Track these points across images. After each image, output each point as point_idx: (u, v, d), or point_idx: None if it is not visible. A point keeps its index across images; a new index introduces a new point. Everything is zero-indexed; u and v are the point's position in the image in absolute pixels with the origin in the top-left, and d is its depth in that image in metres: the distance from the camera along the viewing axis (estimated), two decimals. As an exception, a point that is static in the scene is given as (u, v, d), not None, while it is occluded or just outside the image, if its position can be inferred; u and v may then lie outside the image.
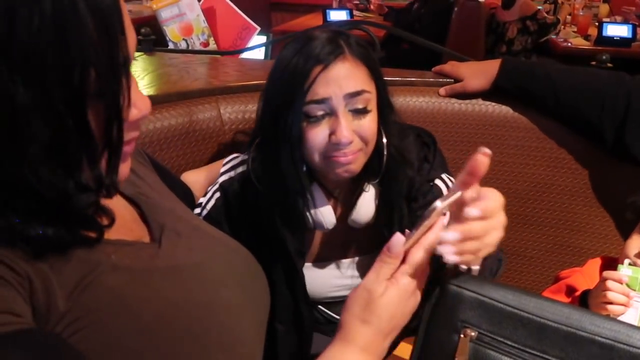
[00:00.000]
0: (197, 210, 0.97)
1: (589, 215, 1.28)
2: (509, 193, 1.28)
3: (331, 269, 1.03)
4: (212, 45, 1.69)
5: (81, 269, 0.50)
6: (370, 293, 0.58)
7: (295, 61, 0.84)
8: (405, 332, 0.67)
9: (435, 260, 0.60)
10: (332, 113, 0.85)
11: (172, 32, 1.64)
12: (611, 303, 0.90)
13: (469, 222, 0.58)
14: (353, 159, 0.86)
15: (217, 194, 0.97)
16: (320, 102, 0.84)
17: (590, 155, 1.24)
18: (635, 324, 0.89)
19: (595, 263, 1.10)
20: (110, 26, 0.44)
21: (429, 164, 0.97)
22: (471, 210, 0.58)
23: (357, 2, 4.41)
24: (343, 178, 0.89)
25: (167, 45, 1.65)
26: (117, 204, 0.63)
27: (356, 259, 1.02)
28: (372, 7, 4.12)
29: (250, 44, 1.79)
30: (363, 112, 0.86)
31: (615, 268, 0.96)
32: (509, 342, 0.57)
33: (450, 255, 0.58)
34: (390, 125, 0.93)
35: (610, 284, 0.90)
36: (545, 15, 3.27)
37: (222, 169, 0.99)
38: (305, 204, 0.91)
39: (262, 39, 1.91)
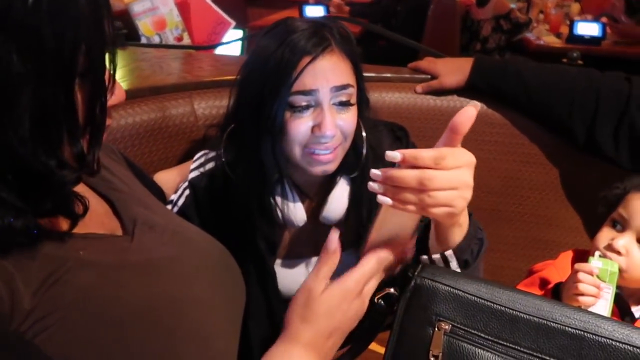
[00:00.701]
0: (168, 207, 0.95)
1: (561, 210, 1.30)
2: (482, 188, 1.29)
3: (302, 267, 1.02)
4: (186, 40, 1.67)
5: (48, 266, 0.49)
6: (309, 291, 0.59)
7: (280, 52, 0.83)
8: (380, 327, 0.67)
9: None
10: (317, 105, 0.85)
11: (144, 26, 1.61)
12: (582, 294, 0.92)
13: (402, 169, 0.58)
14: (333, 157, 0.86)
15: (187, 191, 0.96)
16: (307, 93, 0.84)
17: (562, 151, 1.27)
18: (606, 314, 0.91)
19: (567, 256, 1.12)
20: (100, 6, 0.46)
21: None
22: (390, 153, 0.58)
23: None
24: (319, 175, 0.89)
25: (140, 40, 1.62)
26: (89, 198, 0.62)
27: None
28: (332, 7, 4.04)
29: (226, 39, 1.77)
30: (347, 105, 0.86)
31: (586, 260, 0.98)
32: (482, 335, 0.58)
33: (380, 197, 0.59)
34: (366, 120, 0.94)
35: (581, 275, 0.92)
36: (518, 14, 3.32)
37: (192, 166, 0.98)
38: (277, 198, 0.91)
39: (238, 34, 1.89)
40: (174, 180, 1.02)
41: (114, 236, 0.59)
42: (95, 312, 0.50)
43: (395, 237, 0.65)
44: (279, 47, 0.83)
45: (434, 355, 0.59)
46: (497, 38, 3.24)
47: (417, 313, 0.61)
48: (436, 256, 0.70)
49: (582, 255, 1.09)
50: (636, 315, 1.01)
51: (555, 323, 0.56)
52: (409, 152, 0.58)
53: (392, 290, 0.65)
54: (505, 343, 0.57)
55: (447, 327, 0.59)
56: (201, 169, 0.97)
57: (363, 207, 0.95)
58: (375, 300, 0.66)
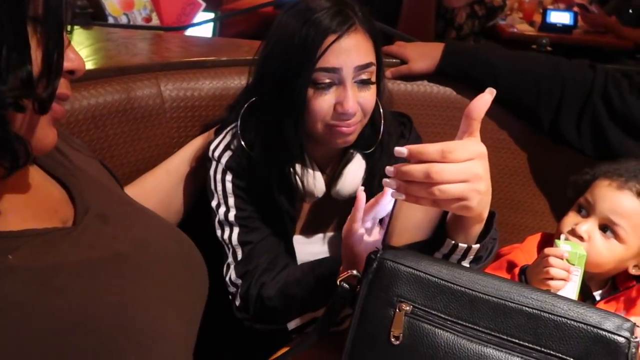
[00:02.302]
0: (223, 209, 0.95)
1: (528, 194, 1.32)
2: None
3: (317, 243, 1.04)
4: (155, 21, 1.63)
5: None
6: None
7: (305, 30, 0.85)
8: (343, 309, 0.67)
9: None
10: (340, 83, 0.87)
11: (111, 5, 1.56)
12: (552, 278, 0.93)
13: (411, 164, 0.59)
14: (354, 129, 0.89)
15: (228, 175, 0.96)
16: (331, 70, 0.86)
17: (529, 137, 1.28)
18: (574, 295, 0.93)
19: (533, 239, 1.14)
20: None
21: (405, 139, 1.02)
22: (398, 149, 0.60)
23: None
24: (339, 147, 0.92)
25: (106, 20, 1.58)
26: (44, 183, 0.60)
27: (338, 233, 1.03)
28: None
29: (196, 20, 1.73)
30: (368, 83, 0.89)
31: (552, 244, 1.00)
32: (442, 315, 0.58)
33: (393, 192, 0.61)
34: (385, 98, 0.97)
35: (552, 260, 0.93)
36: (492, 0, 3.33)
37: (217, 151, 0.97)
38: (298, 171, 0.93)
39: (209, 16, 1.85)
40: (183, 167, 1.04)
41: (58, 230, 0.55)
42: (23, 322, 0.46)
43: (415, 230, 0.67)
44: (303, 25, 0.85)
45: (394, 336, 0.59)
46: (471, 24, 3.25)
47: (378, 294, 0.61)
48: (463, 245, 0.70)
49: (548, 239, 1.11)
50: (597, 299, 1.04)
51: (513, 303, 0.56)
52: (415, 147, 0.60)
53: (354, 272, 0.65)
54: (464, 323, 0.57)
55: (407, 308, 0.59)
56: (230, 147, 0.97)
57: (376, 183, 0.97)
58: (338, 282, 0.66)
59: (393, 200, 0.70)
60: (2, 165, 0.48)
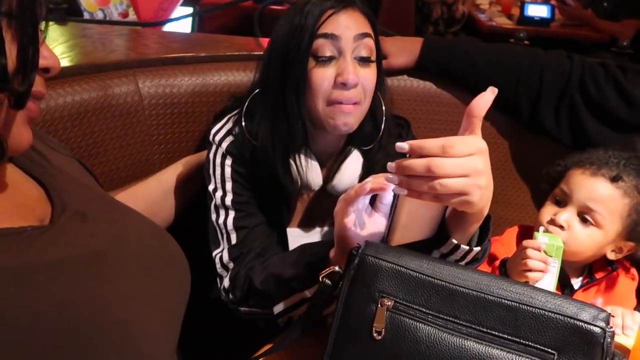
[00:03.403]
0: (220, 193, 0.95)
1: (507, 187, 1.34)
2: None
3: (308, 235, 1.04)
4: (132, 17, 1.60)
5: None
6: None
7: (308, 7, 0.88)
8: (326, 305, 0.67)
9: None
10: (339, 55, 0.88)
11: (86, 1, 1.53)
12: (531, 270, 0.95)
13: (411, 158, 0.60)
14: (354, 109, 0.88)
15: (228, 160, 0.96)
16: (330, 36, 0.87)
17: (508, 129, 1.29)
18: (552, 287, 0.95)
19: (512, 232, 1.16)
20: None
21: (403, 140, 1.00)
22: (399, 144, 0.60)
23: (290, -24, 4.32)
24: (340, 132, 0.91)
25: (82, 15, 1.55)
26: (20, 181, 0.59)
27: (332, 228, 1.03)
28: None
29: (174, 15, 1.71)
30: (367, 60, 0.89)
31: (531, 236, 1.01)
32: (424, 309, 0.59)
33: (396, 187, 0.61)
34: (385, 94, 0.98)
35: (530, 252, 0.95)
36: (460, 8, 3.37)
37: (218, 135, 0.97)
38: (297, 161, 0.93)
39: (188, 10, 1.83)
40: (173, 179, 1.06)
41: (34, 229, 0.54)
42: (2, 323, 0.46)
43: (417, 227, 0.68)
44: (305, 5, 0.88)
45: (377, 331, 0.59)
46: (443, 23, 3.29)
47: (360, 290, 0.61)
48: (464, 247, 0.70)
49: (527, 231, 1.13)
50: (575, 287, 1.06)
51: (492, 296, 0.57)
52: (416, 142, 0.61)
53: (336, 268, 0.66)
54: (445, 317, 0.58)
55: (389, 303, 0.60)
56: (232, 133, 0.97)
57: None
58: (321, 278, 0.66)
59: (392, 195, 0.70)
60: None
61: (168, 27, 1.73)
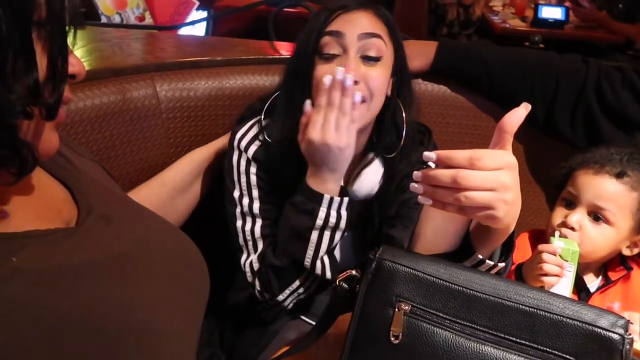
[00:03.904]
0: (246, 201, 0.97)
1: (522, 191, 1.33)
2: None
3: None
4: (148, 20, 1.62)
5: None
6: None
7: (322, 12, 0.92)
8: (342, 309, 0.68)
9: None
10: (344, 52, 0.89)
11: (104, 4, 1.56)
12: (546, 274, 0.95)
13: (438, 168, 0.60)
14: (358, 107, 0.87)
15: (253, 168, 0.97)
16: (335, 34, 0.88)
17: (523, 133, 1.27)
18: (568, 292, 0.95)
19: (524, 237, 1.16)
20: None
21: (424, 147, 1.03)
22: (427, 153, 0.60)
23: (302, -22, 4.34)
24: None
25: (100, 19, 1.57)
26: (47, 184, 0.60)
27: (350, 232, 1.04)
28: None
29: (190, 19, 1.73)
30: (374, 59, 0.90)
31: (543, 240, 1.01)
32: (441, 314, 0.59)
33: (421, 197, 0.61)
34: (408, 102, 0.97)
35: (545, 256, 0.95)
36: (476, 11, 3.36)
37: (243, 141, 0.98)
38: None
39: (203, 14, 1.85)
40: (208, 157, 1.07)
41: (61, 231, 0.55)
42: (29, 324, 0.47)
43: (440, 238, 0.68)
44: (323, 8, 0.92)
45: (394, 335, 0.60)
46: (458, 24, 3.29)
47: (378, 294, 0.62)
48: (489, 262, 0.70)
49: (539, 235, 1.13)
50: (592, 290, 1.05)
51: (510, 301, 0.57)
52: (444, 152, 0.60)
53: (354, 272, 0.66)
54: (462, 322, 0.58)
55: (406, 307, 0.60)
56: (257, 138, 0.98)
57: (393, 188, 0.99)
58: (337, 282, 0.67)
59: None
60: (10, 171, 0.48)
61: (182, 30, 1.75)
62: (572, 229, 1.00)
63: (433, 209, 0.64)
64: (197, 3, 1.73)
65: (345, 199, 0.90)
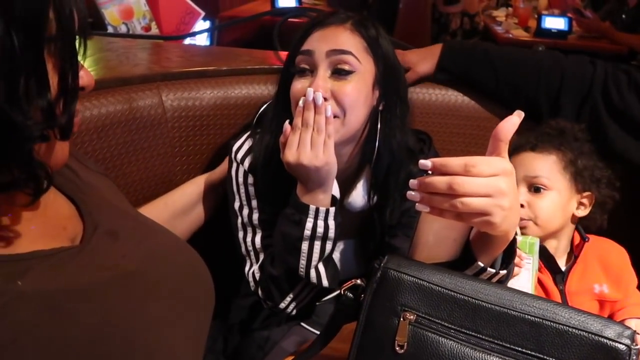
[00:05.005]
0: (246, 211, 0.99)
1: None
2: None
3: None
4: (154, 30, 1.64)
5: None
6: None
7: (303, 27, 0.94)
8: (347, 318, 0.68)
9: None
10: (314, 69, 0.91)
11: (111, 15, 1.57)
12: None
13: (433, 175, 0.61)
14: (329, 121, 0.88)
15: (251, 179, 0.99)
16: (305, 52, 0.91)
17: (526, 129, 1.28)
18: (530, 284, 0.96)
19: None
20: None
21: (424, 155, 1.04)
22: (422, 161, 0.61)
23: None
24: None
25: (106, 29, 1.59)
26: (53, 199, 0.60)
27: (348, 241, 1.05)
28: None
29: (195, 29, 1.74)
30: (344, 73, 0.90)
31: None
32: (446, 324, 0.59)
33: (418, 204, 0.62)
34: (394, 117, 0.97)
35: None
36: (481, 20, 3.40)
37: (239, 153, 1.00)
38: None
39: (208, 24, 1.86)
40: (213, 181, 1.10)
41: (67, 250, 0.54)
42: (36, 348, 0.46)
43: (439, 246, 0.69)
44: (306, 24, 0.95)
45: (399, 345, 0.60)
46: (462, 33, 3.31)
47: (383, 304, 0.62)
48: (491, 270, 0.69)
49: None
50: (562, 269, 1.07)
51: (515, 311, 0.57)
52: (438, 160, 0.61)
53: (358, 281, 0.66)
54: (467, 331, 0.58)
55: (412, 317, 0.60)
56: (252, 151, 1.00)
57: (387, 198, 0.99)
58: (342, 291, 0.67)
59: None
60: (26, 192, 0.48)
61: (188, 40, 1.76)
62: (522, 206, 1.04)
63: (431, 216, 0.64)
64: (203, 13, 1.75)
65: (332, 209, 0.91)
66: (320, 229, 0.90)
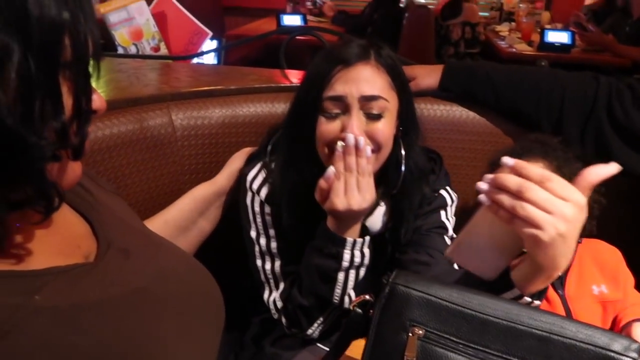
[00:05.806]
0: (264, 240, 0.99)
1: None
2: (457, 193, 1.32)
3: None
4: (163, 50, 1.67)
5: None
6: None
7: (323, 63, 0.92)
8: (357, 334, 0.69)
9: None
10: (346, 111, 0.90)
11: (121, 36, 1.61)
12: None
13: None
14: (370, 160, 0.89)
15: (267, 208, 0.99)
16: (337, 99, 0.89)
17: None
18: None
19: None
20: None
21: (435, 175, 1.04)
22: (506, 158, 0.63)
23: (311, 7, 4.45)
24: None
25: (116, 50, 1.62)
26: (68, 218, 0.61)
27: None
28: (324, 8, 4.19)
29: (203, 49, 1.78)
30: (377, 117, 0.91)
31: None
32: (454, 339, 0.60)
33: (481, 195, 0.64)
34: (412, 141, 0.98)
35: None
36: (482, 31, 3.44)
37: (254, 183, 1.00)
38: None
39: (215, 44, 1.90)
40: (210, 194, 1.08)
41: (81, 267, 0.56)
42: None
43: (479, 254, 0.70)
44: (322, 60, 0.92)
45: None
46: (463, 43, 3.35)
47: (391, 319, 0.63)
48: (527, 299, 0.69)
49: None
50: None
51: (523, 326, 0.58)
52: (521, 162, 0.64)
53: (367, 297, 0.67)
54: (475, 346, 0.59)
55: (420, 332, 0.61)
56: (268, 181, 1.00)
57: (402, 221, 1.00)
58: (351, 307, 0.68)
59: None
60: (37, 210, 0.49)
61: (196, 60, 1.79)
62: None
63: (490, 220, 0.66)
64: (211, 33, 1.78)
65: (367, 238, 0.92)
66: (357, 259, 0.91)
